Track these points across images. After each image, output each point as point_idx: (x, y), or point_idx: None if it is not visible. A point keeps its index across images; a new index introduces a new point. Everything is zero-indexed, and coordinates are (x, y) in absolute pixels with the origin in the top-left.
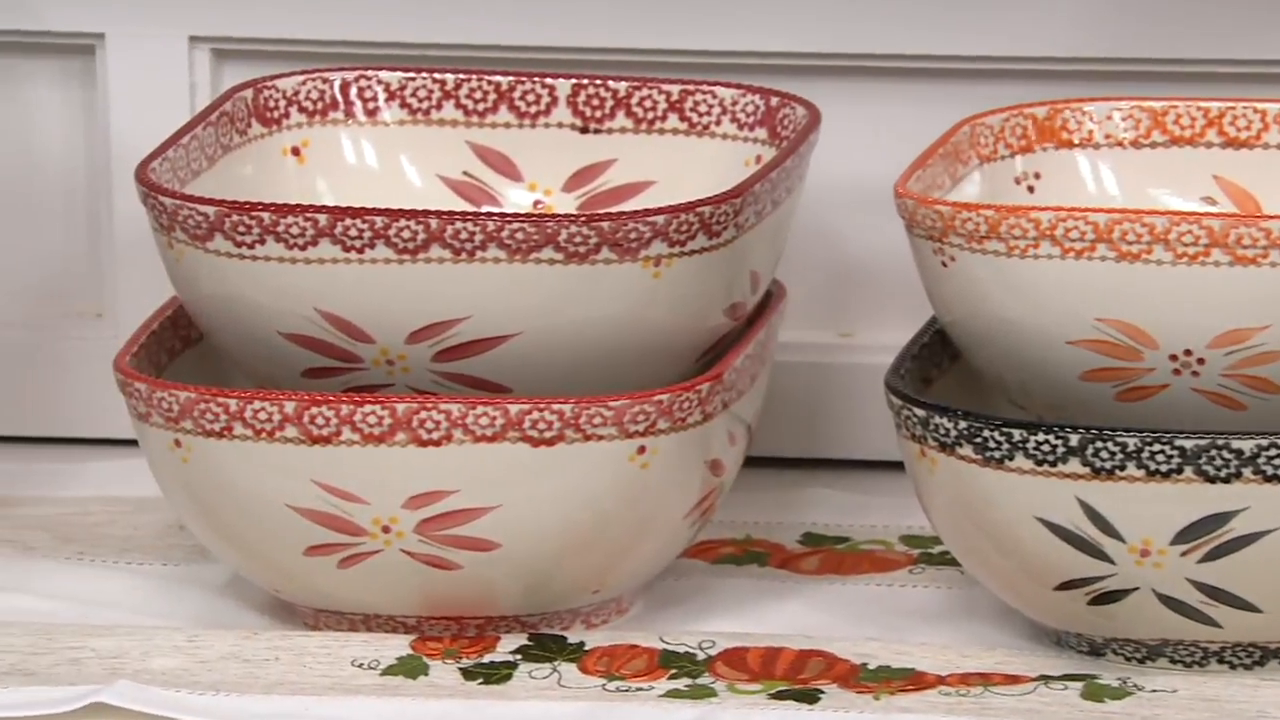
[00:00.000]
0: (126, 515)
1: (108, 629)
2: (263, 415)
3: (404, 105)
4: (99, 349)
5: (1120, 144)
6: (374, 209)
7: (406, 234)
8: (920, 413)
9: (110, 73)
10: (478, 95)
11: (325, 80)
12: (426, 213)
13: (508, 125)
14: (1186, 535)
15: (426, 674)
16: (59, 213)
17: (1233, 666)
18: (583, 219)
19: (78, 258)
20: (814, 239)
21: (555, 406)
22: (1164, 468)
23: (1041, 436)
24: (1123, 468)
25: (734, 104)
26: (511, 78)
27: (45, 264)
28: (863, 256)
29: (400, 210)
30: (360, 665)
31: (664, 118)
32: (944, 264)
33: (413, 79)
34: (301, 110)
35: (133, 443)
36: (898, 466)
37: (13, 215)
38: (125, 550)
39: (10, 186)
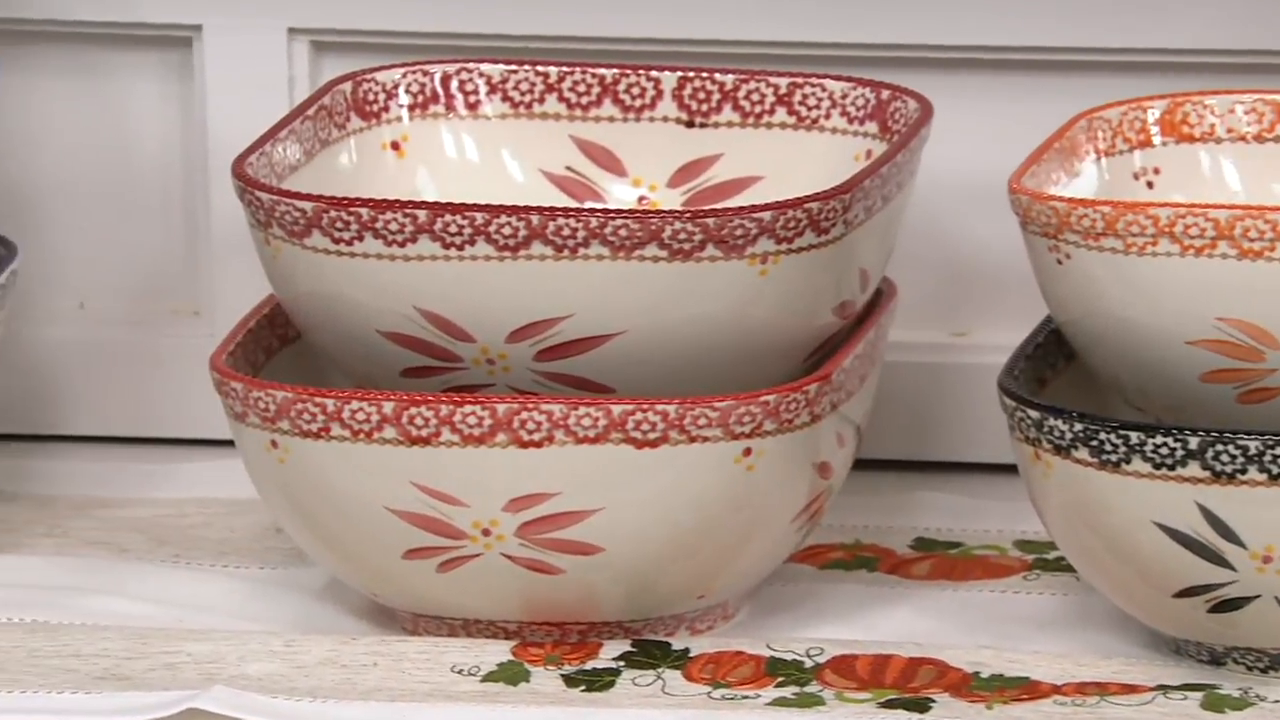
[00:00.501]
0: (223, 517)
1: (203, 633)
2: (361, 415)
3: (506, 98)
4: (196, 347)
5: (1243, 138)
6: (474, 205)
7: (507, 230)
8: (1035, 415)
9: (208, 65)
10: (581, 88)
11: (426, 73)
12: (528, 209)
13: (612, 119)
14: None
15: (528, 681)
16: (156, 208)
17: None
18: (687, 215)
19: (175, 254)
20: (925, 236)
21: (659, 407)
22: None
23: (1160, 439)
24: (1244, 471)
25: (844, 97)
26: (616, 70)
27: (142, 261)
28: (976, 254)
29: (501, 206)
30: (460, 671)
31: (772, 111)
32: (1059, 261)
33: (515, 72)
34: (401, 104)
35: (229, 443)
36: (1011, 470)
37: (110, 210)
38: (221, 553)
39: (108, 181)
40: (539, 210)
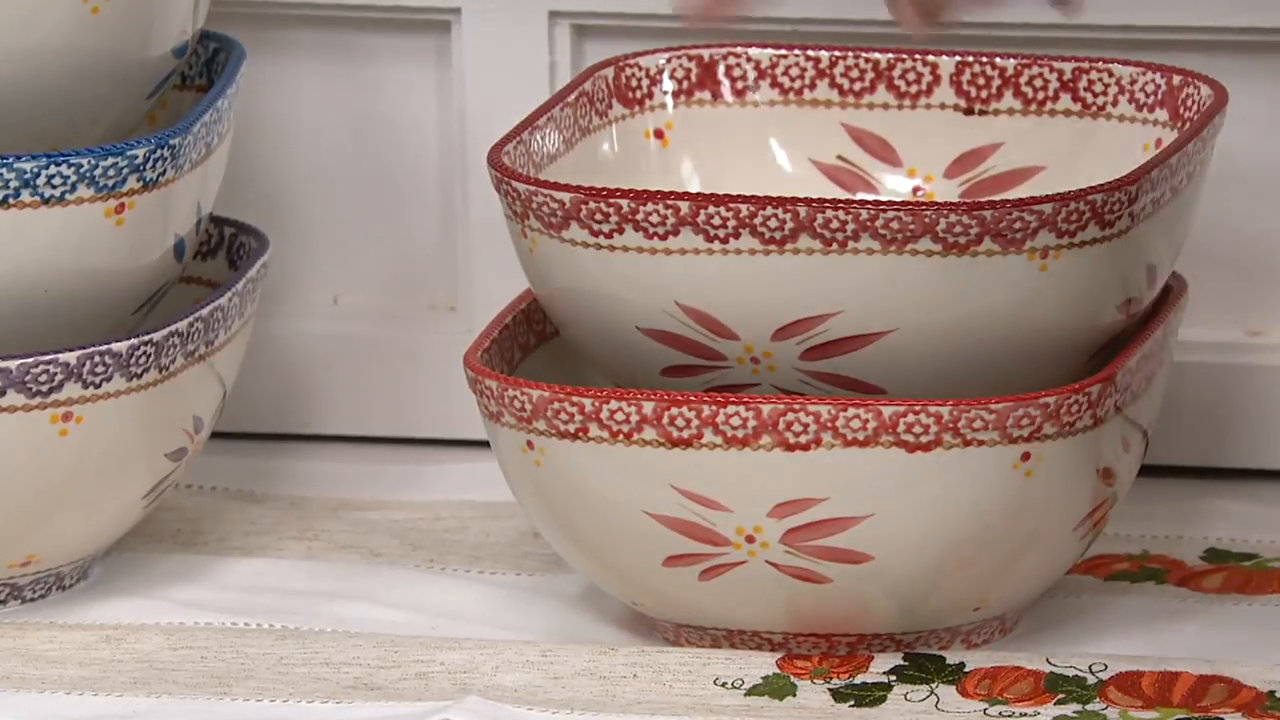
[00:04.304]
0: (478, 521)
1: (457, 642)
2: (620, 416)
3: (775, 84)
4: (452, 344)
5: None
6: (739, 196)
7: (773, 223)
8: None
9: (466, 50)
10: (854, 74)
11: (692, 58)
12: (794, 200)
13: (886, 106)
14: None
15: (794, 694)
16: (412, 199)
17: None
18: (963, 208)
19: (431, 247)
20: (1217, 229)
21: (932, 409)
22: None
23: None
24: None
25: (1132, 83)
26: (890, 55)
27: (398, 253)
28: (1272, 248)
29: (766, 198)
30: (723, 684)
31: (1055, 98)
32: None
33: (784, 57)
34: (666, 90)
35: (486, 444)
36: None
37: (365, 201)
38: (476, 558)
39: (362, 170)
40: (806, 202)
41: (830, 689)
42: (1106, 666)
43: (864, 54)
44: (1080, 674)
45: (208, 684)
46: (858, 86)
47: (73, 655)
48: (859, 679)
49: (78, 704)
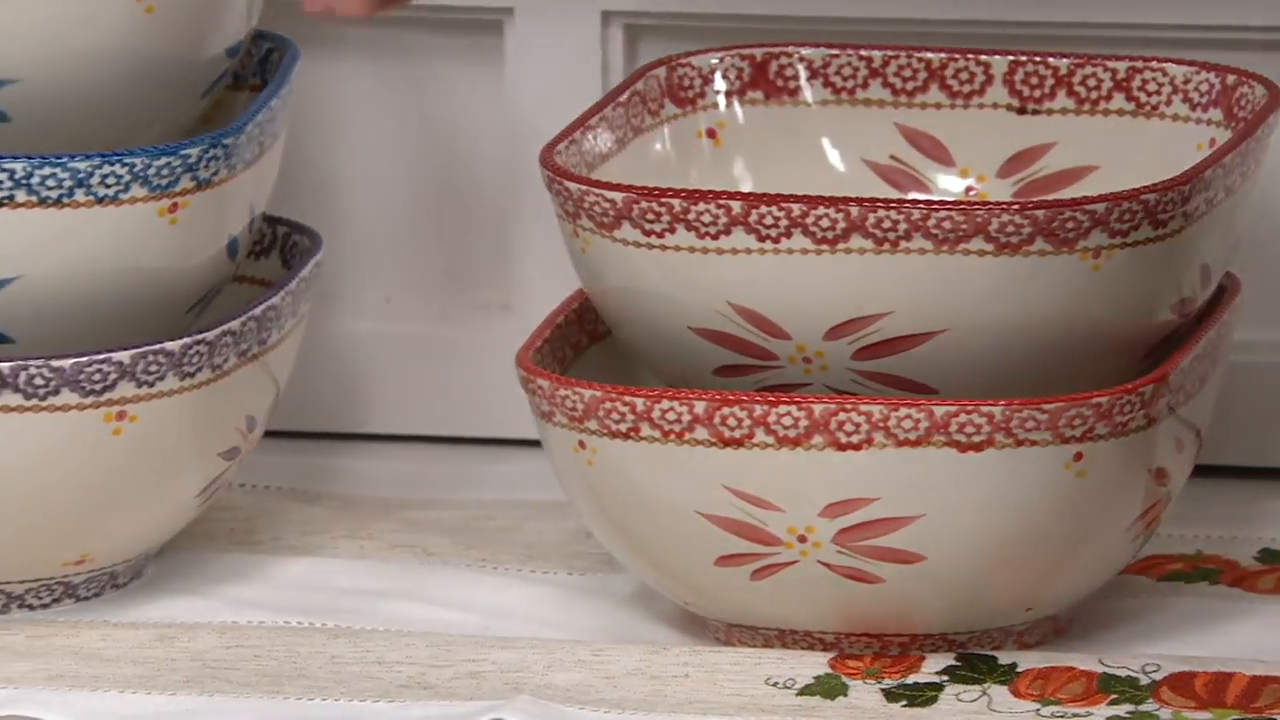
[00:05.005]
0: (530, 520)
1: (509, 641)
2: (671, 415)
3: (827, 84)
4: (505, 344)
5: None
6: (790, 196)
7: (825, 223)
8: None
9: (518, 50)
10: (907, 73)
11: (744, 57)
12: (846, 200)
13: (938, 106)
14: None
15: (845, 695)
16: (464, 198)
17: None
18: (1015, 207)
19: (484, 246)
20: (1272, 229)
21: (984, 409)
22: None
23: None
24: None
25: (1186, 82)
26: (943, 54)
27: (450, 253)
28: None
29: (818, 197)
30: (775, 684)
31: (1109, 97)
32: None
33: (837, 56)
34: (718, 89)
35: (537, 444)
36: None
37: (417, 200)
38: (529, 558)
39: (415, 170)
40: (858, 201)
41: (882, 689)
42: (1160, 667)
43: (917, 53)
44: (1133, 674)
45: (261, 683)
46: (910, 86)
47: (126, 654)
48: (911, 679)
49: (131, 702)
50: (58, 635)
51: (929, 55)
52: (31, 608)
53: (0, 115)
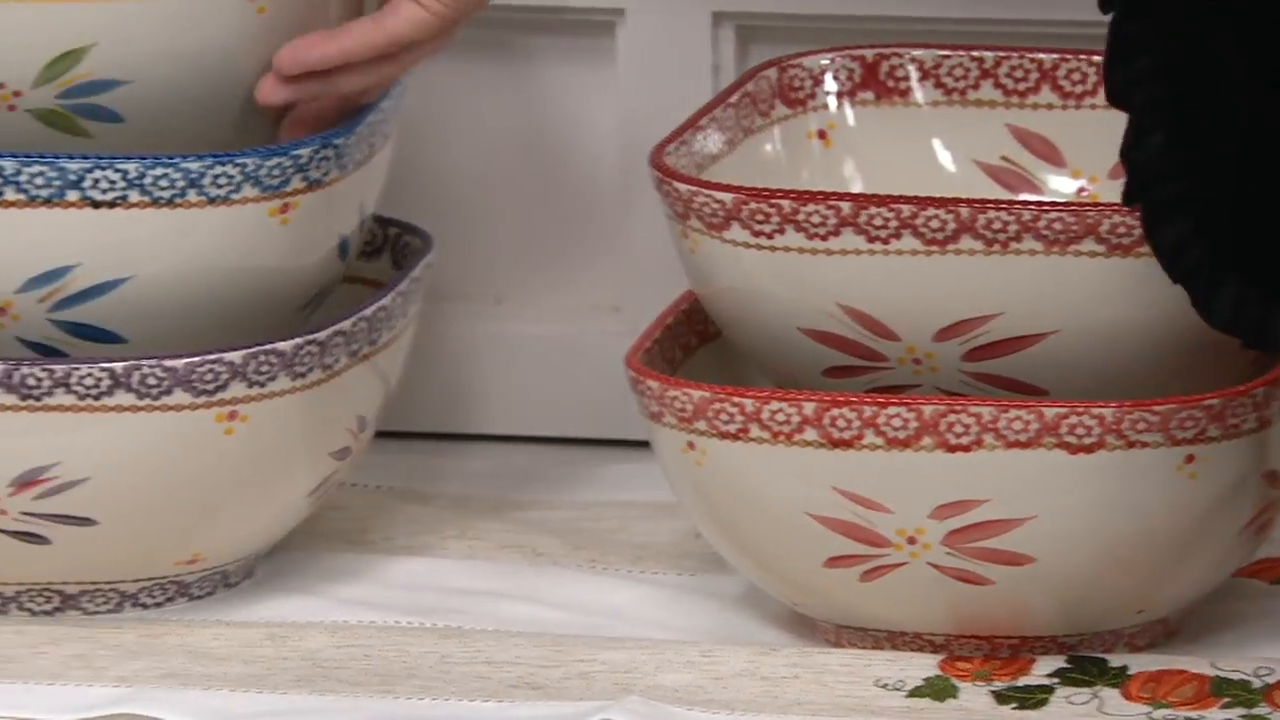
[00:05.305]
0: (640, 521)
1: (618, 641)
2: (781, 416)
3: (939, 85)
4: (615, 345)
5: None
6: (900, 197)
7: (935, 224)
8: None
9: (630, 51)
10: (1019, 74)
11: (855, 58)
12: (956, 201)
13: (1050, 106)
14: None
15: (955, 696)
16: (575, 199)
17: None
18: (1126, 209)
19: (594, 247)
20: None
21: (1095, 410)
22: None
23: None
24: None
25: None
26: (1055, 55)
27: (561, 253)
28: None
29: (928, 198)
30: (885, 686)
31: None
32: None
33: (948, 57)
34: (829, 90)
35: (647, 444)
36: None
37: (527, 201)
38: (638, 558)
39: (525, 171)
40: (968, 202)
41: (992, 691)
42: (1273, 670)
43: (1029, 54)
44: (1246, 678)
45: (371, 682)
46: (1022, 87)
47: (238, 653)
48: (1021, 681)
49: (242, 701)
50: (170, 634)
51: (1041, 56)
52: (145, 606)
53: (113, 116)
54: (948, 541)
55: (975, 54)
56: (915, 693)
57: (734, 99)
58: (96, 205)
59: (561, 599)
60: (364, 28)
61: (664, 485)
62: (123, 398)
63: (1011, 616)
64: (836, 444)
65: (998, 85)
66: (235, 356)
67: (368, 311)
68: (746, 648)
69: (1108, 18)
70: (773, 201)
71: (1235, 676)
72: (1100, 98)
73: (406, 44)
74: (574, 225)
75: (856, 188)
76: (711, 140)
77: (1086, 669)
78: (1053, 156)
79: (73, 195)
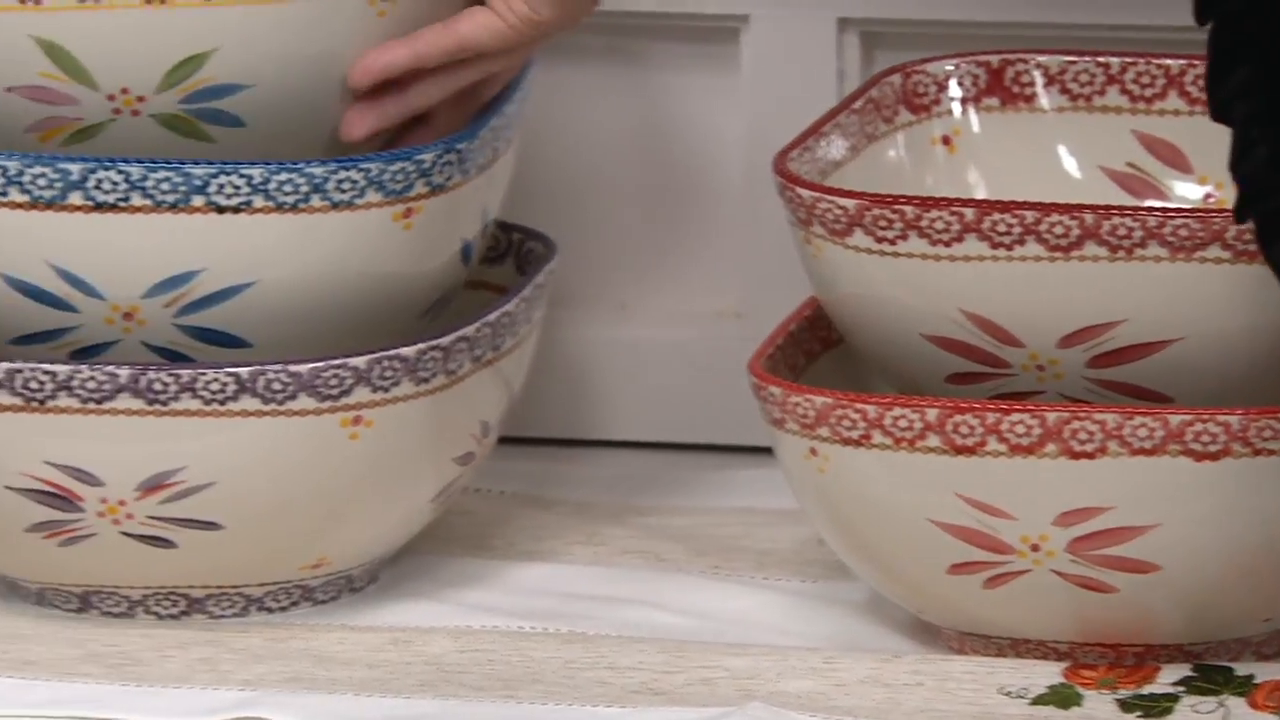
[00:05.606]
0: (763, 528)
1: (742, 648)
2: (903, 423)
3: (1064, 91)
4: (738, 351)
5: None
6: (1024, 203)
7: (1059, 230)
8: None
9: (754, 57)
10: (1145, 80)
11: (980, 64)
12: (1080, 207)
13: (1177, 113)
14: None
15: (1080, 704)
16: (698, 205)
17: None
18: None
19: (718, 253)
20: None
21: (1220, 418)
22: None
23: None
24: None
25: None
26: (1183, 61)
27: (685, 259)
28: None
29: (1052, 204)
30: (1008, 693)
31: None
32: None
33: (1074, 63)
34: (953, 96)
35: (770, 450)
36: None
37: (651, 207)
38: (761, 565)
39: (649, 177)
40: (1093, 208)
41: (1117, 699)
42: None
43: (1155, 60)
44: None
45: (494, 687)
46: (1149, 93)
47: (362, 657)
48: (1146, 689)
49: (366, 705)
50: (295, 638)
51: (1168, 62)
52: (270, 610)
53: (235, 120)
54: (1071, 549)
55: (1101, 59)
56: (1039, 700)
57: (858, 105)
58: (221, 210)
59: (684, 605)
60: (434, 31)
61: (787, 491)
62: (248, 403)
63: (1136, 624)
64: (959, 450)
65: (1124, 91)
66: (359, 362)
67: (491, 317)
68: (869, 655)
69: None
70: (896, 207)
71: None
72: None
73: (477, 50)
74: (697, 231)
75: (980, 194)
76: (835, 146)
77: (1212, 677)
78: (1179, 162)
79: (198, 200)
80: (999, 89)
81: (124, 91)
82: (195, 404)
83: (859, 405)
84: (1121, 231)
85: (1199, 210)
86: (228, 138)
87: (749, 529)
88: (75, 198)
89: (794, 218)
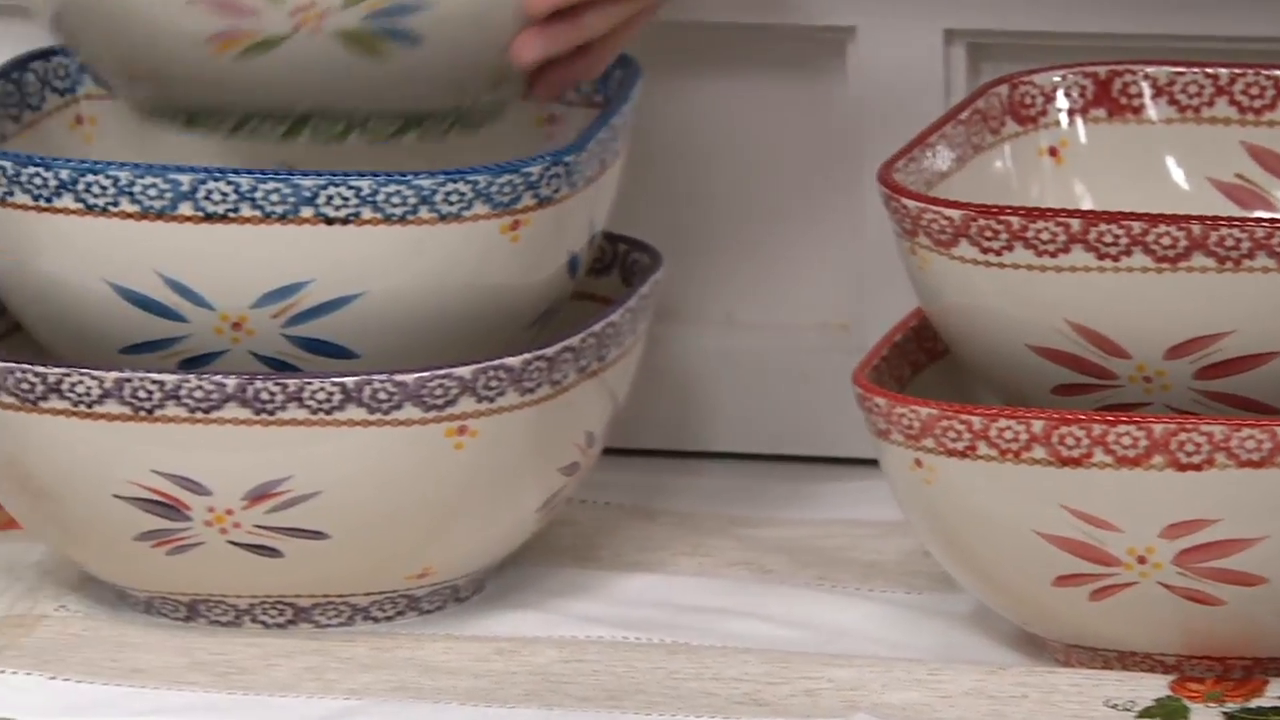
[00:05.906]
0: (868, 539)
1: (846, 659)
2: (1009, 434)
3: (1172, 102)
4: (843, 363)
5: None
6: (1130, 214)
7: (1166, 241)
8: None
9: (861, 68)
10: (1254, 91)
11: (1087, 75)
12: (1188, 218)
13: None
14: None
15: (1186, 718)
16: (805, 216)
17: None
18: None
19: (825, 265)
20: None
21: None
22: None
23: None
24: None
25: None
26: None
27: (792, 271)
28: None
29: (1159, 215)
30: (1114, 706)
31: None
32: None
33: (1182, 74)
34: (1060, 107)
35: (874, 462)
36: None
37: (758, 217)
38: (867, 576)
39: (756, 187)
40: (1200, 219)
41: (1224, 713)
42: None
43: (1265, 71)
44: None
45: (599, 697)
46: (1258, 104)
47: (468, 667)
48: (1254, 703)
49: (472, 715)
50: (401, 647)
51: (1277, 73)
52: (375, 620)
53: (413, 38)
54: (1178, 561)
55: (1210, 71)
56: (1146, 713)
57: (964, 116)
58: (330, 222)
59: (789, 616)
60: None
61: (892, 503)
62: (354, 412)
63: (1244, 637)
64: (1065, 462)
65: (1233, 102)
66: (465, 372)
67: (597, 328)
68: (974, 666)
69: None
70: (1002, 218)
71: None
72: None
73: None
74: (803, 243)
75: (1087, 205)
76: (941, 157)
77: None
78: None
79: (306, 212)
80: (1106, 100)
81: (312, 4)
82: (302, 413)
83: (964, 416)
84: (1229, 243)
85: None
86: (402, 56)
87: (854, 540)
88: (185, 208)
89: (899, 229)
